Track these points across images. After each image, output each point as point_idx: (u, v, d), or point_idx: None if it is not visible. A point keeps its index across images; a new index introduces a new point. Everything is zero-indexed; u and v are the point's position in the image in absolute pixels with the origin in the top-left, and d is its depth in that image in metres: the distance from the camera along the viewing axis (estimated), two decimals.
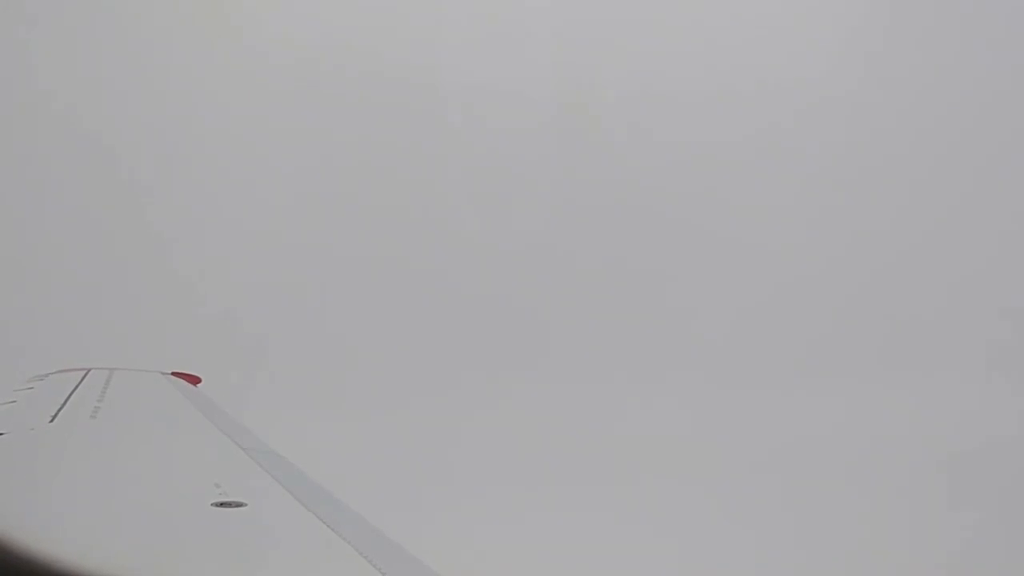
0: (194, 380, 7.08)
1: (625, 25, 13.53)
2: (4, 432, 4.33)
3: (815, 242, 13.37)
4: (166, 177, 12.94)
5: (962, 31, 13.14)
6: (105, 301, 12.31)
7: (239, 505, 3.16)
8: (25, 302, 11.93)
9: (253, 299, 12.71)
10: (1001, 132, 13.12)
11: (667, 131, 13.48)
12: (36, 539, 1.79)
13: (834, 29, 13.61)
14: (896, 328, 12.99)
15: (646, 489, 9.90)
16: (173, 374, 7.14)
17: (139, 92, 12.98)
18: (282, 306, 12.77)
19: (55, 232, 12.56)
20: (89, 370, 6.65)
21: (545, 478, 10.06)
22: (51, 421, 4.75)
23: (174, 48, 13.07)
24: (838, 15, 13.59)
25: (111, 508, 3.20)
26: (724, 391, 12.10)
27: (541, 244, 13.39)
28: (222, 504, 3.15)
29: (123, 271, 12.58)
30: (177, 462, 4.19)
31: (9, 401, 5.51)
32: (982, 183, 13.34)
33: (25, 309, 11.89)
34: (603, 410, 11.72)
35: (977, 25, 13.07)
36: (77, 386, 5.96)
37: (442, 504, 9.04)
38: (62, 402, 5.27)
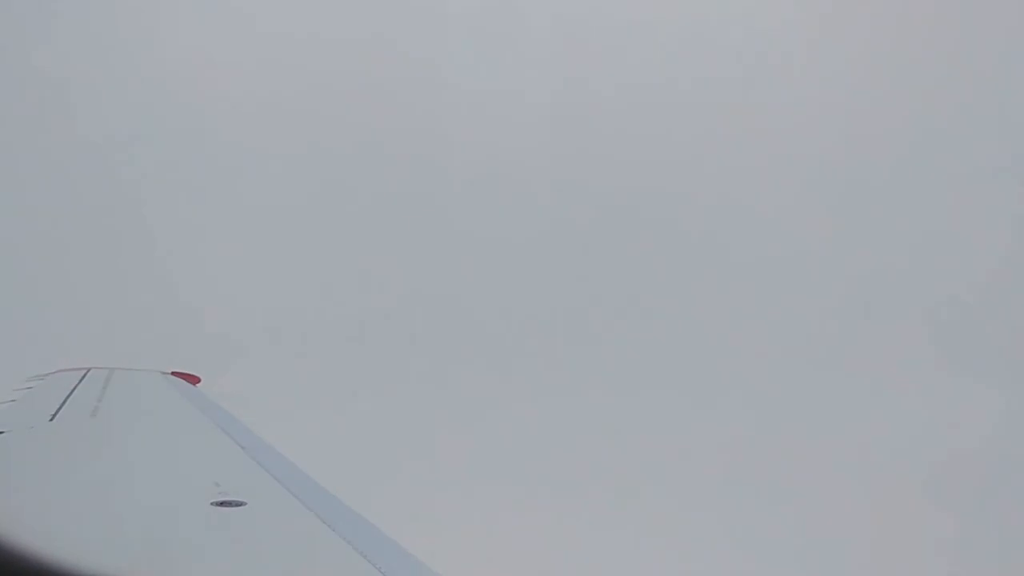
0: (194, 380, 7.09)
1: (624, 26, 13.52)
2: (4, 431, 4.33)
3: (817, 241, 13.35)
4: (166, 176, 12.94)
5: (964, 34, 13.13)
6: (105, 301, 12.30)
7: (239, 504, 3.16)
8: (25, 302, 11.93)
9: (253, 299, 12.70)
10: (1003, 131, 13.09)
11: (667, 132, 13.47)
12: (36, 539, 1.79)
13: (834, 29, 13.60)
14: (898, 328, 12.97)
15: (647, 490, 9.90)
16: (173, 374, 7.15)
17: (142, 92, 12.98)
18: (282, 306, 12.77)
19: (55, 232, 12.55)
20: (89, 369, 6.66)
21: (544, 479, 10.06)
22: (51, 420, 4.75)
23: (171, 45, 13.06)
24: (838, 18, 13.57)
25: (111, 508, 3.20)
26: (724, 391, 12.09)
27: (541, 244, 13.39)
28: (222, 503, 3.15)
29: (123, 271, 12.57)
30: (177, 461, 4.19)
31: (9, 400, 5.52)
32: (985, 182, 13.31)
33: (25, 309, 11.89)
34: (604, 410, 11.72)
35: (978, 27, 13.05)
36: (77, 385, 5.96)
37: (441, 503, 9.04)
38: (62, 401, 5.27)
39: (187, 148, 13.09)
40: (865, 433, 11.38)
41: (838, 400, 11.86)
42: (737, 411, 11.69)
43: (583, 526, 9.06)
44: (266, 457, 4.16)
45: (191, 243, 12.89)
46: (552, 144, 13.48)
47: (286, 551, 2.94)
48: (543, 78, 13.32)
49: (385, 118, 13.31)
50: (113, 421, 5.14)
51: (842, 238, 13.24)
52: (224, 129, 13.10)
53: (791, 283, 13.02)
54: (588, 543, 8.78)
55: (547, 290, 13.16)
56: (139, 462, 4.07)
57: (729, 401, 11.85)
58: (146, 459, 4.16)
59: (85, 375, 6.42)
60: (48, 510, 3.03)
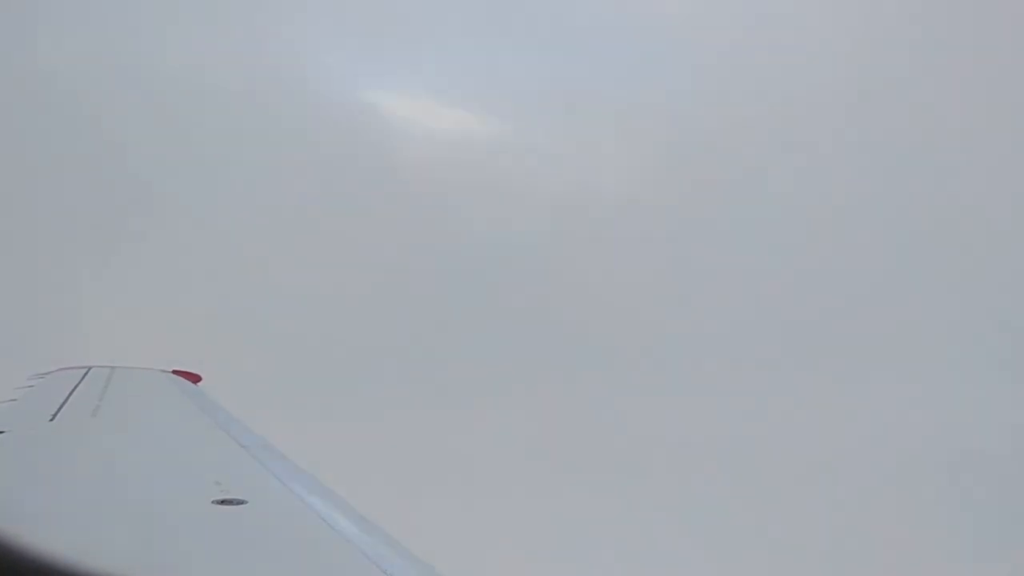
0: (194, 378, 7.08)
1: (623, 26, 13.51)
2: (5, 430, 4.33)
3: (818, 239, 13.34)
4: (168, 176, 12.93)
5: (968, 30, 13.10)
6: (105, 301, 12.30)
7: (240, 503, 3.16)
8: (25, 302, 11.93)
9: (253, 298, 12.70)
10: (1004, 130, 13.06)
11: (667, 129, 13.46)
12: (36, 538, 1.78)
13: (835, 27, 13.58)
14: (898, 326, 12.96)
15: (647, 490, 9.90)
16: (174, 372, 7.14)
17: (140, 95, 12.97)
18: (283, 305, 12.76)
19: (55, 231, 12.55)
20: (90, 368, 6.66)
21: (545, 477, 10.06)
22: (52, 419, 4.75)
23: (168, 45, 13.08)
24: (839, 14, 13.55)
25: (111, 507, 3.20)
26: (726, 389, 12.08)
27: (543, 241, 13.38)
28: (223, 502, 3.15)
29: (124, 270, 12.57)
30: (178, 460, 4.18)
31: (10, 399, 5.51)
32: (986, 179, 13.29)
33: (25, 309, 11.89)
34: (604, 410, 11.71)
35: (981, 23, 13.02)
36: (78, 384, 5.96)
37: (442, 501, 9.04)
38: (63, 400, 5.27)
39: (190, 147, 13.09)
40: (865, 427, 11.39)
41: (835, 396, 11.87)
42: (735, 408, 11.69)
43: (585, 526, 9.05)
44: (267, 456, 4.16)
45: (193, 241, 12.89)
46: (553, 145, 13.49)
47: (287, 550, 2.93)
48: (543, 77, 13.31)
49: (385, 118, 13.31)
50: (114, 420, 5.13)
51: (843, 233, 13.24)
52: (227, 128, 13.10)
53: (790, 279, 13.02)
54: (589, 543, 8.77)
55: (546, 290, 13.15)
56: (140, 461, 4.06)
57: (727, 398, 11.86)
58: (147, 458, 4.16)
59: (86, 374, 6.41)
60: (49, 509, 3.02)
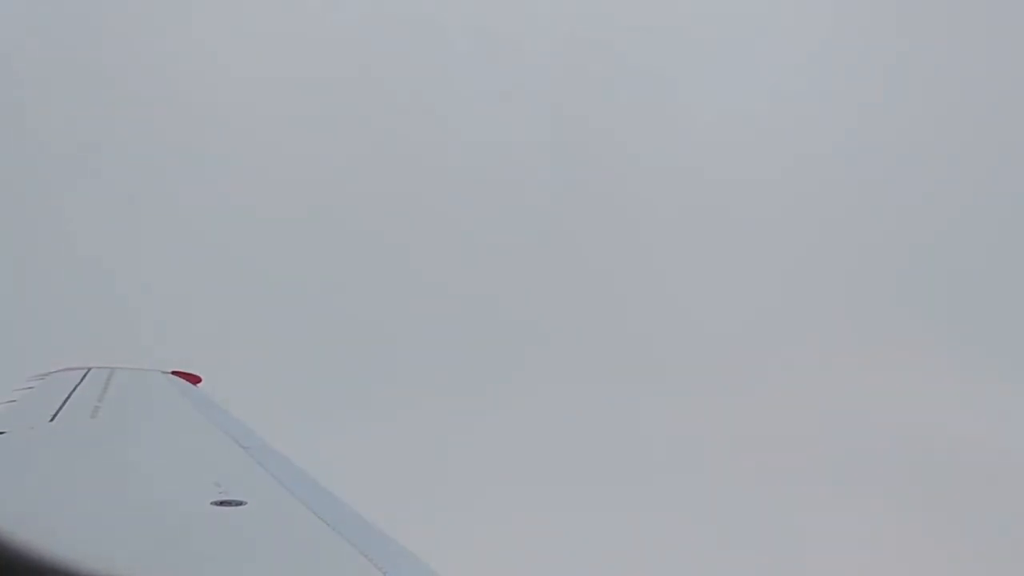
0: (194, 379, 7.07)
1: (624, 29, 13.51)
2: (4, 431, 4.33)
3: (816, 239, 13.35)
4: (166, 176, 12.94)
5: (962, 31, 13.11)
6: (105, 300, 12.30)
7: (239, 504, 3.16)
8: (25, 302, 11.93)
9: (253, 299, 12.71)
10: (1001, 128, 13.07)
11: (665, 134, 13.47)
12: (36, 539, 1.79)
13: (836, 30, 13.59)
14: (898, 323, 12.96)
15: (647, 488, 9.90)
16: (174, 373, 7.13)
17: (136, 92, 12.98)
18: (282, 306, 12.76)
19: (55, 231, 12.55)
20: (89, 369, 6.65)
21: (544, 477, 10.06)
22: (51, 420, 4.75)
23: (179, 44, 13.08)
24: (840, 16, 13.56)
25: (111, 508, 3.20)
26: (724, 388, 12.09)
27: (539, 242, 13.39)
28: (222, 503, 3.15)
29: (123, 270, 12.57)
30: (177, 461, 4.19)
31: (9, 400, 5.51)
32: (984, 178, 13.30)
33: (25, 309, 11.89)
34: (602, 409, 11.71)
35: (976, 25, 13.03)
36: (77, 385, 5.95)
37: (442, 502, 9.05)
38: (62, 401, 5.27)
39: (185, 147, 13.09)
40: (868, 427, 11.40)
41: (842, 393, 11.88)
42: (738, 406, 11.70)
43: (585, 525, 9.06)
44: (266, 457, 4.16)
45: (193, 241, 12.90)
46: (551, 144, 13.50)
47: (286, 551, 2.94)
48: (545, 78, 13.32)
49: (384, 119, 13.33)
50: (114, 421, 5.13)
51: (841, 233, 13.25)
52: (225, 126, 13.10)
53: (792, 279, 13.03)
54: (589, 543, 8.78)
55: (545, 290, 13.16)
56: (139, 462, 4.06)
57: (729, 396, 11.87)
58: (146, 459, 4.16)
59: (86, 375, 6.41)
60: (48, 510, 3.03)
